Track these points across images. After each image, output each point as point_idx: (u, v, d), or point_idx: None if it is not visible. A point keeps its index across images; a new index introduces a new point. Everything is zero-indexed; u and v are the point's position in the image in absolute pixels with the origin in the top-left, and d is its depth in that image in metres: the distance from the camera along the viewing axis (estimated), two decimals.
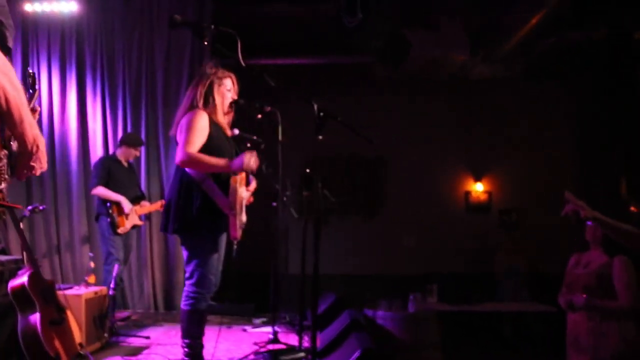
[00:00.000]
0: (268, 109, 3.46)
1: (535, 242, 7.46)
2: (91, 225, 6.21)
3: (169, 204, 3.29)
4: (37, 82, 2.49)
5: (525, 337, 6.60)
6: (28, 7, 6.35)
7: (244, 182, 3.53)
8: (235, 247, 3.28)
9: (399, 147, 7.66)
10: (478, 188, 8.02)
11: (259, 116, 3.50)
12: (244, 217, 3.40)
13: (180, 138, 3.24)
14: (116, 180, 5.33)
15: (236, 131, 3.56)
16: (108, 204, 5.20)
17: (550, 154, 7.74)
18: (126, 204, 5.22)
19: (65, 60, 6.48)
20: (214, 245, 3.26)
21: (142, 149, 6.08)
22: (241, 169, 3.16)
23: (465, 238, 7.65)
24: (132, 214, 5.30)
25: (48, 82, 6.46)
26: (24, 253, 3.48)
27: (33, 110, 2.01)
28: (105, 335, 4.33)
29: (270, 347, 4.16)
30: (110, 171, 5.36)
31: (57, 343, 3.32)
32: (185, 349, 3.28)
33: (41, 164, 1.89)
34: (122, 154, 5.53)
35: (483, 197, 8.01)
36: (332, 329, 4.40)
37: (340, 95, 7.02)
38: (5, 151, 1.81)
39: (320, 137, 2.75)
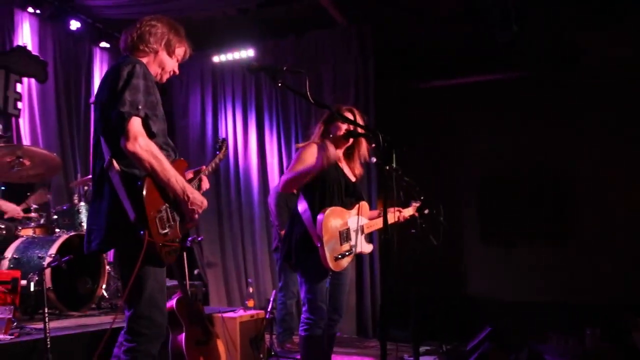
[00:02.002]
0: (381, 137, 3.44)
1: None
2: (271, 253, 6.67)
3: (285, 233, 3.47)
4: (225, 145, 3.10)
5: None
6: (215, 59, 7.19)
7: (360, 211, 3.55)
8: (328, 276, 3.30)
9: (587, 162, 6.85)
10: None
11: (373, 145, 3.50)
12: (359, 247, 3.41)
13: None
14: None
15: (373, 159, 3.61)
16: None
17: None
18: None
19: (246, 102, 7.17)
20: (321, 273, 3.31)
21: None
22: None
23: None
24: None
25: (233, 123, 7.21)
26: (182, 277, 3.91)
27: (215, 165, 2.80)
28: (261, 356, 4.61)
29: None
30: (287, 205, 5.66)
31: None
32: None
33: (198, 206, 2.35)
34: None
35: None
36: None
37: (509, 110, 6.59)
38: (166, 204, 2.28)
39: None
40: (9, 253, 4.09)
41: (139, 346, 2.27)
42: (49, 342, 3.09)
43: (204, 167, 2.78)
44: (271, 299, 4.96)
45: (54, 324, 3.72)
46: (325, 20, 6.77)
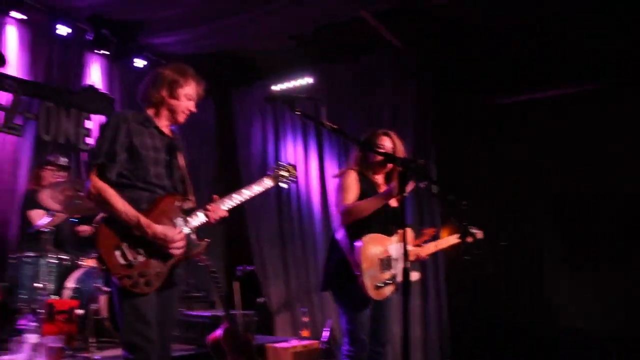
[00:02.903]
0: (422, 161, 3.36)
1: None
2: None
3: (325, 263, 3.42)
4: (283, 169, 3.15)
5: None
6: (274, 88, 7.26)
7: (408, 238, 3.44)
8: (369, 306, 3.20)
9: None
10: None
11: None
12: (386, 275, 3.30)
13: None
14: None
15: (421, 184, 3.52)
16: None
17: None
18: None
19: (306, 129, 7.22)
20: (361, 303, 3.22)
21: None
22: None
23: None
24: None
25: (294, 150, 7.27)
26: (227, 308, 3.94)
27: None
28: None
29: None
30: None
31: None
32: None
33: (162, 240, 2.54)
34: None
35: None
36: None
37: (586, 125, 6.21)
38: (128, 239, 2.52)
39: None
40: (70, 283, 4.28)
41: None
42: None
43: (215, 196, 2.86)
44: (325, 329, 4.89)
45: (108, 353, 3.85)
46: (382, 44, 6.74)
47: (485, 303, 5.60)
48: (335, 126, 2.73)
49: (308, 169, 7.16)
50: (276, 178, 3.10)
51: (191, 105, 2.83)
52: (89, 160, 2.60)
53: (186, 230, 2.66)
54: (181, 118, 2.83)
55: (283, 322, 6.98)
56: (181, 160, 2.84)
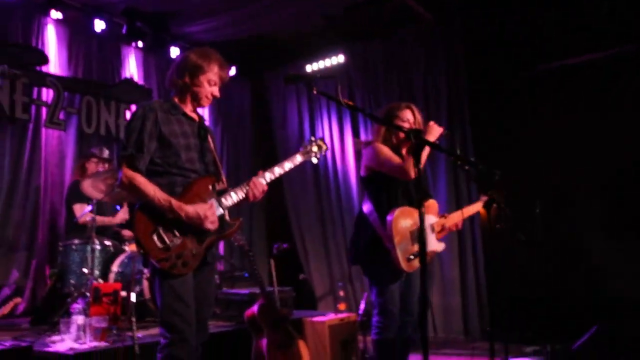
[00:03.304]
0: (446, 132, 3.36)
1: None
2: None
3: (352, 237, 3.49)
4: (314, 144, 3.16)
5: None
6: (308, 68, 7.34)
7: (433, 210, 3.48)
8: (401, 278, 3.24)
9: None
10: None
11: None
12: (431, 246, 3.36)
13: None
14: None
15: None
16: None
17: None
18: None
19: (341, 108, 7.25)
20: (391, 276, 3.27)
21: None
22: None
23: None
24: None
25: (329, 129, 7.33)
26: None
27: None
28: (353, 358, 4.64)
29: None
30: None
31: None
32: None
33: (196, 219, 2.60)
34: None
35: None
36: None
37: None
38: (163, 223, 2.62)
39: None
40: (115, 267, 4.51)
41: (163, 348, 2.58)
42: (137, 348, 3.39)
43: (260, 171, 2.91)
44: (362, 302, 4.97)
45: (151, 331, 4.05)
46: (412, 19, 6.67)
47: (524, 272, 5.52)
48: (351, 103, 2.75)
49: (345, 147, 7.22)
50: (307, 154, 3.12)
51: (215, 91, 2.83)
52: (120, 152, 2.68)
53: (220, 211, 2.74)
54: (205, 103, 2.86)
55: (326, 299, 7.13)
56: (211, 143, 2.90)
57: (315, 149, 3.14)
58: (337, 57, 7.16)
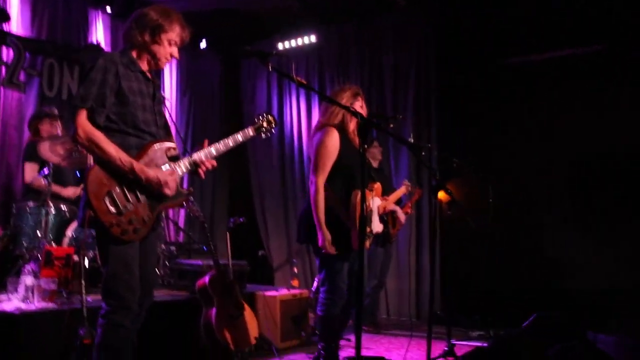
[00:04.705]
0: (400, 117, 3.43)
1: None
2: None
3: (301, 216, 3.53)
4: (264, 119, 3.10)
5: None
6: (280, 46, 7.33)
7: (378, 192, 3.55)
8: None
9: None
10: None
11: (391, 125, 3.50)
12: (374, 227, 3.43)
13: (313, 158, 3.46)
14: None
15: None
16: None
17: None
18: None
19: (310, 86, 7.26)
20: (341, 253, 3.34)
21: None
22: None
23: None
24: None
25: (297, 107, 7.37)
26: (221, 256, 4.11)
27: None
28: (303, 334, 4.73)
29: None
30: None
31: (229, 334, 3.83)
32: (321, 352, 3.43)
33: (156, 183, 2.56)
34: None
35: None
36: None
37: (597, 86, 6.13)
38: (120, 185, 2.53)
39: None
40: (69, 232, 4.49)
41: (106, 315, 2.53)
42: (85, 312, 3.40)
43: (206, 140, 2.84)
44: (316, 280, 5.06)
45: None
46: (386, 4, 6.70)
47: (478, 260, 5.67)
48: (304, 82, 2.80)
49: (311, 125, 7.25)
50: (258, 128, 3.09)
51: (174, 51, 2.74)
52: (74, 102, 2.51)
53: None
54: (163, 64, 2.76)
55: (283, 275, 7.21)
56: (164, 107, 2.86)
57: (265, 124, 3.10)
58: (309, 37, 7.17)
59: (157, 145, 2.66)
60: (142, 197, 2.58)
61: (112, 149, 2.48)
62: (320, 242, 3.29)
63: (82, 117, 2.48)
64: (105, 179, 2.49)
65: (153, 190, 2.58)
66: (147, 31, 2.66)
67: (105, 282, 2.54)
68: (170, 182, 2.60)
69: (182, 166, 2.73)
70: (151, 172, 2.55)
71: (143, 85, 2.67)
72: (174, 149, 2.76)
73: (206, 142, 2.83)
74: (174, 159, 2.73)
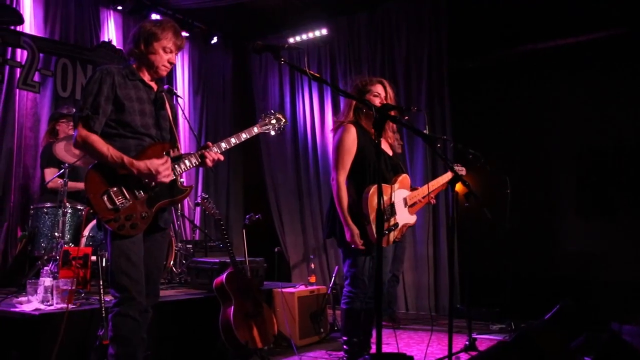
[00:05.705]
0: (414, 109, 3.36)
1: None
2: None
3: (327, 212, 3.52)
4: (271, 117, 3.23)
5: None
6: (291, 40, 7.28)
7: (405, 184, 3.50)
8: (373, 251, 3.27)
9: None
10: None
11: (406, 118, 3.43)
12: (401, 219, 3.40)
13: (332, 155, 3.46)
14: None
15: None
16: None
17: None
18: None
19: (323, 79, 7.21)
20: (365, 247, 3.30)
21: None
22: None
23: None
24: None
25: (310, 102, 7.31)
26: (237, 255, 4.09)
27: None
28: (322, 330, 4.70)
29: (463, 354, 3.93)
30: None
31: (248, 332, 3.82)
32: (344, 346, 3.40)
33: (147, 175, 2.66)
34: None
35: None
36: None
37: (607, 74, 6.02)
38: (117, 184, 2.67)
39: None
40: (87, 232, 4.49)
41: (114, 307, 2.70)
42: (103, 312, 3.40)
43: (209, 143, 2.95)
44: (333, 275, 5.02)
45: None
46: None
47: (496, 251, 5.60)
48: (317, 75, 2.77)
49: (325, 121, 7.20)
50: (265, 125, 3.20)
51: (172, 58, 2.87)
52: (76, 113, 2.73)
53: (172, 176, 2.78)
54: (162, 71, 2.88)
55: (300, 271, 7.19)
56: (169, 111, 2.93)
57: (274, 121, 3.22)
58: (320, 30, 7.11)
59: (156, 147, 2.79)
60: (140, 194, 2.70)
61: (104, 148, 2.64)
62: (347, 237, 3.28)
63: (80, 125, 2.68)
64: (102, 178, 2.66)
65: (149, 184, 2.70)
66: (141, 41, 2.81)
67: (110, 276, 2.69)
68: (162, 170, 2.70)
69: (187, 162, 2.84)
70: (141, 164, 2.66)
71: (142, 92, 2.82)
72: (177, 149, 2.88)
73: (209, 144, 2.95)
74: (175, 159, 2.83)
